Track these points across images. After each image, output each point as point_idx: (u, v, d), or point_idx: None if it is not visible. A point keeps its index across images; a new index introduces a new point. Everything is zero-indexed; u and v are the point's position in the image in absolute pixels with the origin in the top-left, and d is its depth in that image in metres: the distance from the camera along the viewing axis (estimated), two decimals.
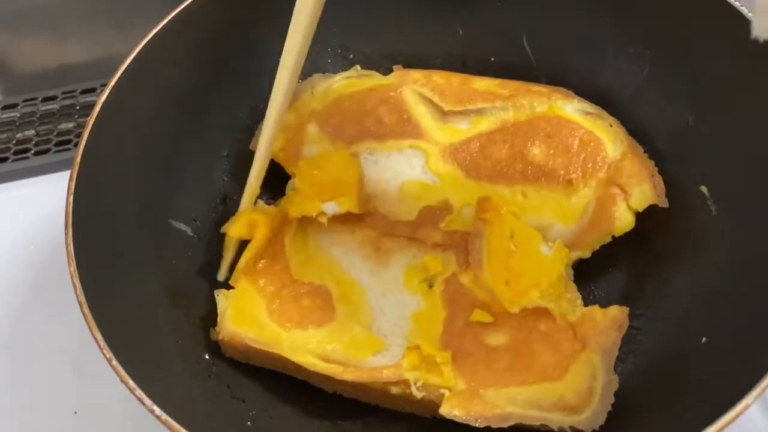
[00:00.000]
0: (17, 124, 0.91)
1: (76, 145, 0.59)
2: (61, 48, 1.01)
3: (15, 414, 0.68)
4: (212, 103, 0.69)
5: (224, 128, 0.72)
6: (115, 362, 0.48)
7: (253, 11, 0.70)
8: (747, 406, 0.44)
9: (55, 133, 0.90)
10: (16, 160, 0.87)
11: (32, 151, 0.88)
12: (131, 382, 0.47)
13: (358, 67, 0.75)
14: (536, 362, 0.57)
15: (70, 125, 0.90)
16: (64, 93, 0.94)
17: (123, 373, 0.47)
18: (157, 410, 0.46)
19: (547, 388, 0.56)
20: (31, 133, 0.90)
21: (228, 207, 0.71)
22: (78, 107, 0.92)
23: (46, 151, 0.88)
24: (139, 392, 0.47)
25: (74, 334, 0.67)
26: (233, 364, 0.61)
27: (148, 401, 0.46)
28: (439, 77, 0.73)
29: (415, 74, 0.74)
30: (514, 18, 0.74)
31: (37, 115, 0.92)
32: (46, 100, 0.93)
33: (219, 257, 0.67)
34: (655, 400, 0.55)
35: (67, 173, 0.56)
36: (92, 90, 0.93)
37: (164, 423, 0.46)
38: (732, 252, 0.58)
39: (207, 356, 0.60)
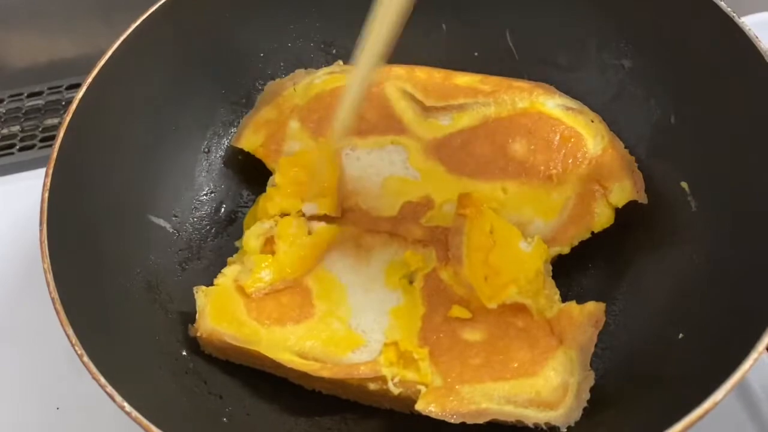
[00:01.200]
0: (2, 119, 0.91)
1: None
2: (48, 43, 1.01)
3: None
4: (192, 99, 0.69)
5: (204, 124, 0.72)
6: (86, 358, 0.48)
7: (234, 6, 0.70)
8: (716, 403, 0.43)
9: (40, 129, 0.90)
10: (1, 155, 0.87)
11: (17, 147, 0.88)
12: (102, 379, 0.47)
13: (340, 62, 0.75)
14: (513, 358, 0.57)
15: (56, 121, 0.90)
16: (50, 88, 0.94)
17: (94, 369, 0.47)
18: (127, 407, 0.46)
19: (523, 384, 0.56)
20: (16, 128, 0.90)
21: (209, 202, 0.71)
22: (64, 103, 0.92)
23: (31, 147, 0.88)
24: (109, 389, 0.47)
25: (57, 330, 0.67)
26: (211, 360, 0.61)
27: (118, 398, 0.47)
28: (421, 73, 0.73)
29: (398, 70, 0.73)
30: (497, 14, 0.74)
31: (23, 111, 0.92)
32: (31, 95, 0.94)
33: (199, 253, 0.67)
34: (631, 396, 0.55)
35: None
36: (79, 86, 0.93)
37: (135, 420, 0.46)
38: (710, 248, 0.58)
39: (184, 352, 0.60)
